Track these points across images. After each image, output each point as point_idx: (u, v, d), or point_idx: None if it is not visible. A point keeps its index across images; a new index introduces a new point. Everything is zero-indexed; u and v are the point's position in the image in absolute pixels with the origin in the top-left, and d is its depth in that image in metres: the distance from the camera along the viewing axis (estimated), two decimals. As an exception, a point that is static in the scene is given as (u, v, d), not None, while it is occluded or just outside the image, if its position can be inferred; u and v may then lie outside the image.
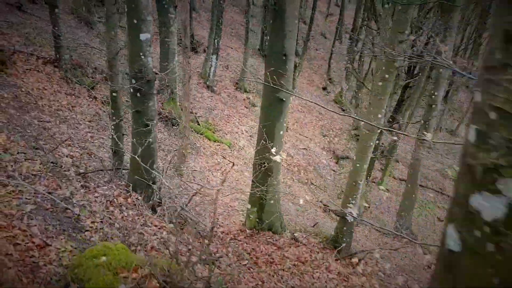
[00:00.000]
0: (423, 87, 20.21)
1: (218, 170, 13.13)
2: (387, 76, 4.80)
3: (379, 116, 4.98)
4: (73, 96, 9.84)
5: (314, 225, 7.12)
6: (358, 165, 5.21)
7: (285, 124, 5.97)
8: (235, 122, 18.39)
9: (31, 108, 7.84)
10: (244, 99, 21.65)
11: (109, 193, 4.43)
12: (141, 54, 4.31)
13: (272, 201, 6.31)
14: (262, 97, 6.05)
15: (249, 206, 6.57)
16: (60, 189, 4.09)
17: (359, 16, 27.61)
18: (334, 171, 20.93)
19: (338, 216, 10.81)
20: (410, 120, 21.95)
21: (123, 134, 5.45)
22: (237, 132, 17.36)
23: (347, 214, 5.70)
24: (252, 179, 6.60)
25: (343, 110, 27.28)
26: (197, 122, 15.18)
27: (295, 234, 6.41)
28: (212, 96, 19.31)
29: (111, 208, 4.12)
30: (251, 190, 6.54)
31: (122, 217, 4.03)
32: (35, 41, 10.93)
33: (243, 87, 22.19)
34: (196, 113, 15.94)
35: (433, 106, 10.32)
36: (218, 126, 16.81)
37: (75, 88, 10.22)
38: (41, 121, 7.61)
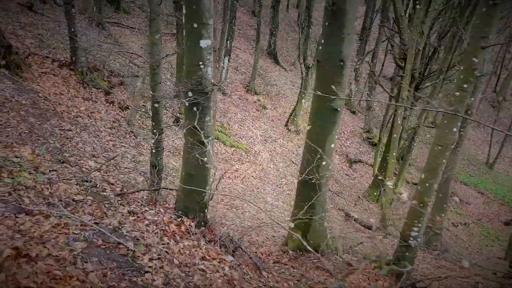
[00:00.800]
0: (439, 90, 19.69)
1: (237, 177, 12.60)
2: (465, 86, 4.28)
3: (454, 129, 4.46)
4: (91, 101, 9.30)
5: (359, 244, 6.61)
6: (427, 184, 4.70)
7: (336, 136, 5.44)
8: (249, 125, 17.87)
9: (50, 115, 7.30)
10: (255, 101, 21.17)
11: (158, 219, 3.91)
12: (200, 63, 3.76)
13: (318, 220, 5.78)
14: (312, 107, 5.52)
15: (291, 224, 6.03)
16: (106, 217, 3.56)
17: (369, 16, 27.17)
18: (347, 175, 20.42)
19: (383, 233, 10.23)
20: (423, 122, 21.36)
21: (163, 149, 4.92)
22: (251, 137, 16.83)
23: (411, 238, 5.18)
24: (296, 195, 6.06)
25: (353, 112, 26.77)
26: (213, 126, 14.64)
27: (343, 256, 5.89)
28: (224, 99, 18.81)
29: (166, 239, 3.59)
30: (295, 207, 6.01)
31: (179, 251, 3.50)
32: (49, 42, 10.39)
33: (253, 89, 21.72)
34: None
35: (469, 112, 9.81)
36: (232, 130, 16.29)
37: (92, 92, 9.68)
38: (62, 129, 7.07)
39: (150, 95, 4.48)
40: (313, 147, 5.52)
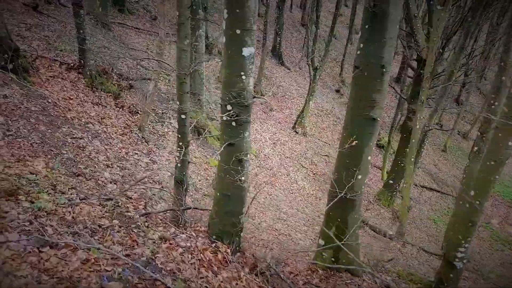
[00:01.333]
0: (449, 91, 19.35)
1: (251, 182, 12.20)
2: (524, 96, 3.93)
3: (510, 143, 4.10)
4: (100, 106, 8.91)
5: (389, 260, 6.22)
6: (477, 202, 4.32)
7: (373, 147, 5.06)
8: (257, 128, 17.50)
9: (61, 122, 6.92)
10: (261, 104, 20.83)
11: (191, 245, 3.52)
12: (242, 73, 3.37)
13: (352, 238, 5.40)
14: (346, 115, 5.13)
15: (321, 242, 5.64)
16: (137, 245, 3.18)
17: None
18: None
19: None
20: (431, 124, 20.90)
21: (188, 163, 4.53)
22: (260, 140, 16.45)
23: (456, 259, 4.81)
24: (327, 211, 5.67)
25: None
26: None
27: (377, 277, 5.50)
28: (231, 101, 18.37)
29: (204, 271, 3.20)
30: (326, 224, 5.62)
31: (219, 285, 3.12)
32: (56, 45, 9.99)
33: (259, 91, 21.39)
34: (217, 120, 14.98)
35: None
36: (241, 133, 15.90)
37: (101, 96, 9.29)
38: (74, 138, 6.69)
39: (177, 107, 4.10)
40: (347, 160, 5.14)
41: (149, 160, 8.27)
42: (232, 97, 3.44)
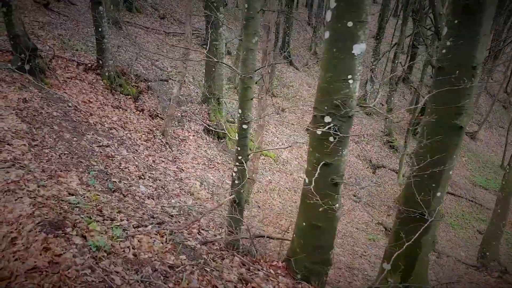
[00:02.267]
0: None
1: (272, 190, 11.55)
2: None
3: None
4: (121, 109, 8.26)
5: (453, 282, 5.61)
6: None
7: (456, 160, 4.43)
8: (272, 131, 16.87)
9: (85, 129, 6.26)
10: (273, 104, 20.20)
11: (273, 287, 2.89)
12: (349, 76, 2.68)
13: (425, 262, 4.77)
14: (425, 122, 4.48)
15: (387, 266, 4.99)
16: (220, 292, 2.55)
17: (386, 15, 26.25)
18: (374, 183, 19.44)
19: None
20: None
21: (247, 178, 3.89)
22: (277, 143, 15.81)
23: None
24: (395, 231, 5.03)
25: (368, 114, 25.83)
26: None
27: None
28: (244, 103, 17.75)
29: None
30: (393, 245, 4.98)
31: None
32: (71, 44, 9.32)
33: (271, 92, 20.75)
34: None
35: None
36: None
37: (120, 99, 8.63)
38: (101, 146, 6.04)
39: (239, 116, 3.44)
40: (425, 174, 4.49)
41: (176, 168, 7.63)
42: (334, 106, 2.78)
